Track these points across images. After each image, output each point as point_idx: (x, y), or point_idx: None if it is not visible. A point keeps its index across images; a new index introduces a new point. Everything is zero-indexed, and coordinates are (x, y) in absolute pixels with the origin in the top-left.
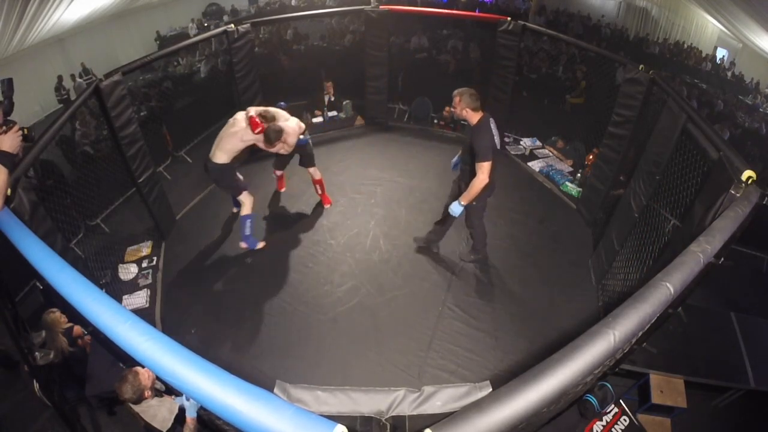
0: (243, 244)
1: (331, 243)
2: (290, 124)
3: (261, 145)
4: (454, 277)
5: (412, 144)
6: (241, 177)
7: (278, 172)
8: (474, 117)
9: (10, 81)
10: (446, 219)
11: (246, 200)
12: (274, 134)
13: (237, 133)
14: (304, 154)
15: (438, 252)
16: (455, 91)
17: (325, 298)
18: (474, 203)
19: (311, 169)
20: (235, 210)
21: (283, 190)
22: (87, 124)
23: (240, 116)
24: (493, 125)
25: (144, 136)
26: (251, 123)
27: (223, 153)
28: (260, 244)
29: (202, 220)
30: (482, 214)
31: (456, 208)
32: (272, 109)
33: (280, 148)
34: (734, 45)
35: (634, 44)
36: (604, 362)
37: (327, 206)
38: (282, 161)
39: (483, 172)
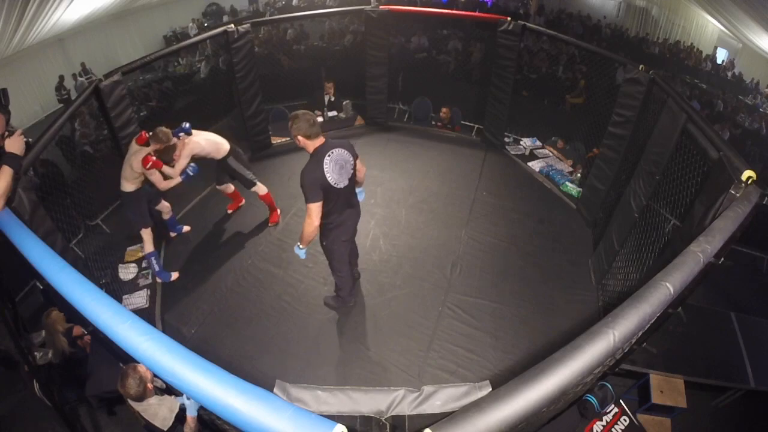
0: (158, 279)
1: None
2: (196, 139)
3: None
4: (454, 277)
5: (412, 144)
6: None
7: (218, 187)
8: (309, 146)
9: (4, 91)
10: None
11: (146, 236)
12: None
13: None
14: (229, 173)
15: (438, 252)
16: (290, 114)
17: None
18: (325, 244)
19: (253, 189)
20: (229, 211)
21: (230, 211)
22: (87, 124)
23: (134, 144)
24: (333, 157)
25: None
26: (138, 138)
27: (126, 180)
28: (174, 275)
29: (202, 220)
30: (342, 258)
31: (296, 250)
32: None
33: (174, 167)
34: (734, 45)
35: (634, 44)
36: (604, 362)
37: (271, 225)
38: (219, 176)
39: (309, 215)
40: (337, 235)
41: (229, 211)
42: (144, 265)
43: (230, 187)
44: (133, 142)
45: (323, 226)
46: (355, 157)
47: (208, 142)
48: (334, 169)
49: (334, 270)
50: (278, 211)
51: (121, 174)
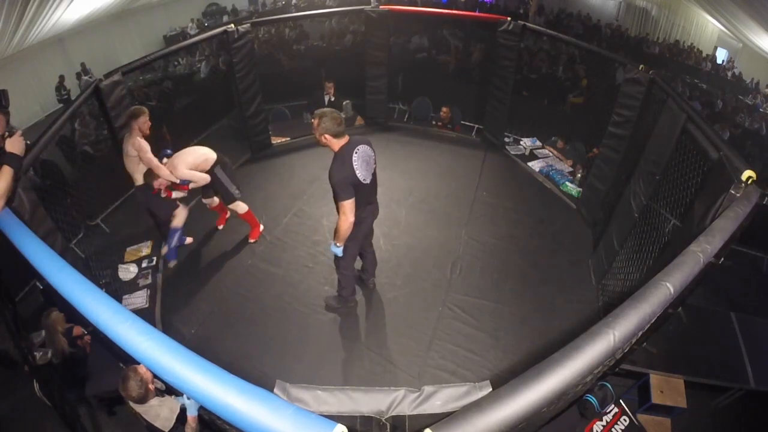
0: (163, 249)
1: (331, 243)
2: (181, 157)
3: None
4: (454, 277)
5: (412, 144)
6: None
7: (204, 200)
8: (335, 145)
9: (4, 92)
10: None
11: (179, 213)
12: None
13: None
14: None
15: (438, 252)
16: (315, 113)
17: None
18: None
19: (231, 205)
20: (219, 227)
21: (220, 227)
22: (87, 124)
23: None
24: (360, 154)
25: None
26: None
27: (136, 173)
28: (172, 263)
29: (201, 220)
30: (353, 255)
31: (333, 248)
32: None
33: (160, 183)
34: (734, 45)
35: (634, 44)
36: (604, 362)
37: (252, 241)
38: (204, 189)
39: (343, 212)
40: (355, 232)
41: (220, 227)
42: (144, 265)
43: (215, 201)
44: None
45: None
46: (374, 153)
47: (194, 155)
48: (362, 165)
49: (340, 268)
50: (261, 227)
51: (128, 169)
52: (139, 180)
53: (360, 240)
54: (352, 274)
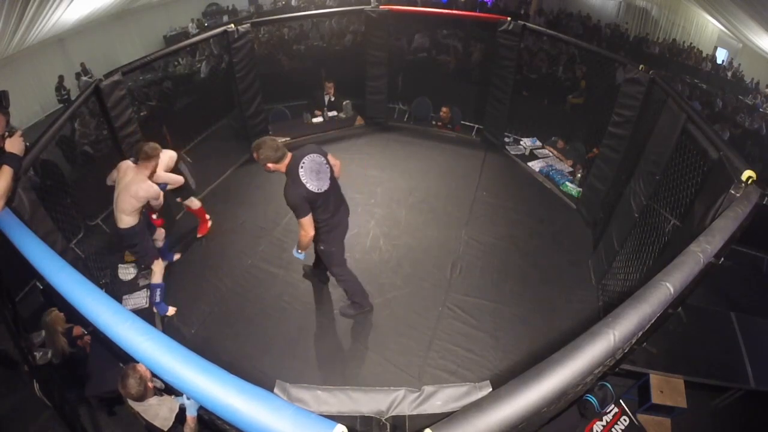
0: (154, 309)
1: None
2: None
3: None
4: (454, 277)
5: (412, 144)
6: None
7: (183, 202)
8: (281, 167)
9: (5, 93)
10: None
11: (158, 269)
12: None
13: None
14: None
15: (438, 252)
16: (252, 146)
17: (325, 298)
18: (322, 248)
19: (186, 201)
20: (199, 235)
21: (200, 235)
22: (87, 124)
23: (124, 169)
24: (306, 166)
25: (144, 136)
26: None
27: (126, 215)
28: (171, 310)
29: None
30: (341, 260)
31: (296, 254)
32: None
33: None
34: (734, 45)
35: (634, 44)
36: (604, 362)
37: (200, 236)
38: (177, 191)
39: (302, 228)
40: (335, 237)
41: (199, 236)
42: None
43: (195, 202)
44: (127, 171)
45: (320, 231)
46: (325, 155)
47: (165, 156)
48: (311, 177)
49: (337, 276)
50: (209, 223)
51: (119, 209)
52: (127, 222)
53: (342, 242)
54: (353, 278)
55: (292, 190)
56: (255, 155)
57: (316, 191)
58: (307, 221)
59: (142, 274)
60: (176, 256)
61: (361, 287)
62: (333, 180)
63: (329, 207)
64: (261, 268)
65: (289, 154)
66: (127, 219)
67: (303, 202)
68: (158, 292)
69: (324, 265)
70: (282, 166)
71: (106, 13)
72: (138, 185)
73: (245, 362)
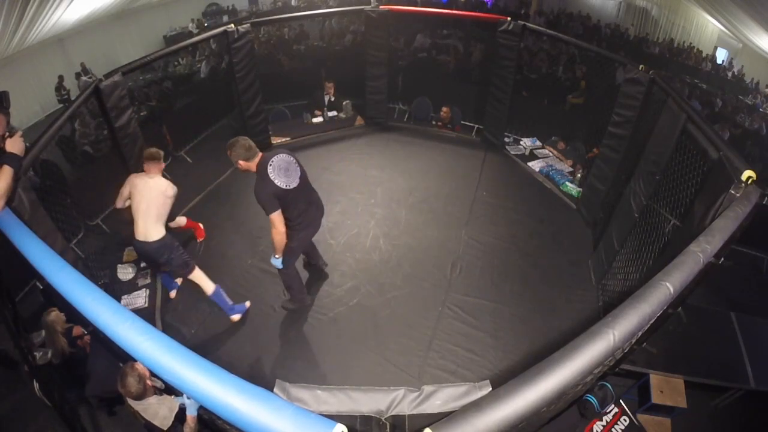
0: (234, 317)
1: (331, 243)
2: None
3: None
4: (454, 277)
5: (412, 144)
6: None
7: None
8: (252, 166)
9: (6, 93)
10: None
11: (200, 275)
12: None
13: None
14: None
15: (438, 252)
16: (227, 144)
17: (325, 298)
18: (291, 245)
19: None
20: (199, 240)
21: (202, 236)
22: (87, 124)
23: (139, 179)
24: (275, 164)
25: (144, 136)
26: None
27: (159, 223)
28: (247, 304)
29: (201, 220)
30: (296, 257)
31: (273, 261)
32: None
33: None
34: (734, 45)
35: (634, 44)
36: (604, 362)
37: (200, 240)
38: None
39: (273, 225)
40: (306, 236)
41: (199, 240)
42: (143, 265)
43: (181, 220)
44: (140, 179)
45: (291, 229)
46: (295, 158)
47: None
48: (279, 174)
49: (280, 273)
50: (201, 226)
51: (152, 219)
52: (160, 231)
53: (307, 243)
54: (296, 273)
55: (263, 187)
56: (228, 153)
57: (284, 187)
58: (277, 216)
59: (142, 274)
60: (179, 281)
61: (300, 284)
62: (303, 180)
63: (298, 205)
64: (261, 268)
65: (260, 154)
66: (159, 228)
67: (271, 198)
68: (223, 296)
69: (318, 255)
70: (252, 165)
71: (106, 13)
72: (164, 183)
73: (245, 362)
